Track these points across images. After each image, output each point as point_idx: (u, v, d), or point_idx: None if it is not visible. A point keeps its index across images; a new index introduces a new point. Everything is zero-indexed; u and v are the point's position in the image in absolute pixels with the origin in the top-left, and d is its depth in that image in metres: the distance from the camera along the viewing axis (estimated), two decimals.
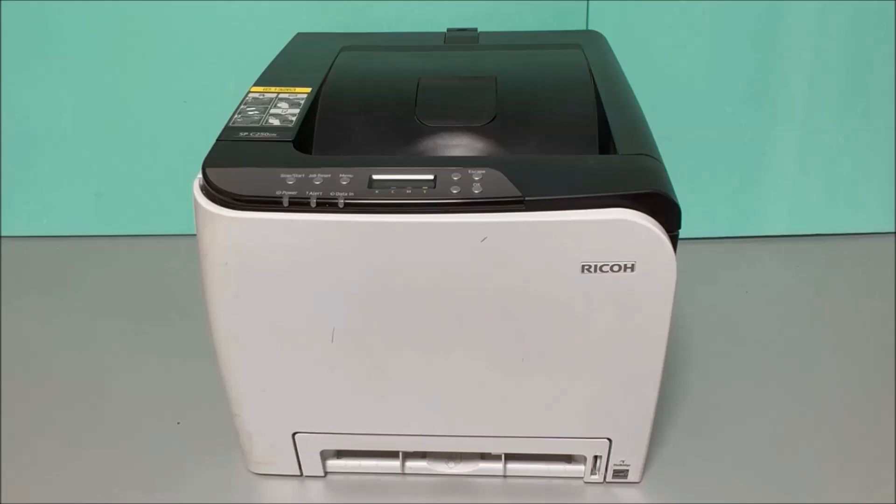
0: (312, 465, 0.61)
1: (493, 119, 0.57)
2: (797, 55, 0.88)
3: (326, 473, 0.63)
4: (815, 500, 0.61)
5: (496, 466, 0.62)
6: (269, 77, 0.65)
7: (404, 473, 0.62)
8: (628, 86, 0.64)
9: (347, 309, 0.51)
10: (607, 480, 0.61)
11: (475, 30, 0.79)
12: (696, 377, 0.73)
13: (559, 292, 0.50)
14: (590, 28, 0.87)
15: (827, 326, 0.81)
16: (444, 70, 0.65)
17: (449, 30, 0.80)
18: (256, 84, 0.64)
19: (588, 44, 0.72)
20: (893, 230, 0.96)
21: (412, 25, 0.87)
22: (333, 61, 0.67)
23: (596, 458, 0.60)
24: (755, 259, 0.93)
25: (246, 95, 0.62)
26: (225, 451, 0.65)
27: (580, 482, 0.62)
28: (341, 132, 0.58)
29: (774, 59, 0.89)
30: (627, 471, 0.60)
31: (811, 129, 0.92)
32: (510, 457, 0.62)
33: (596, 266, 0.48)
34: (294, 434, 0.59)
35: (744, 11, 0.86)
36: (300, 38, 0.79)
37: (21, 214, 1.00)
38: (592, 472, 0.60)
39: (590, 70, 0.63)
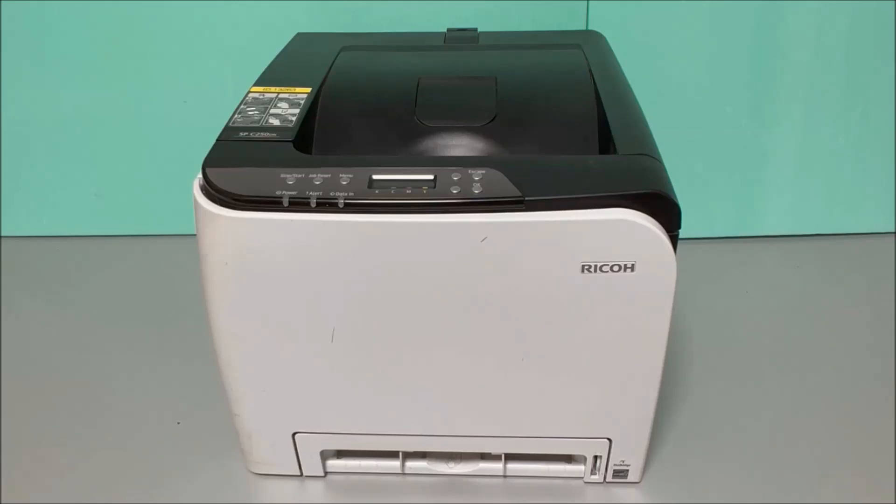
0: (312, 465, 0.61)
1: (493, 119, 0.57)
2: (797, 55, 0.88)
3: (326, 473, 0.63)
4: (815, 500, 0.61)
5: (496, 466, 0.62)
6: (269, 77, 0.65)
7: (404, 473, 0.62)
8: (628, 86, 0.64)
9: (347, 309, 0.51)
10: (607, 480, 0.61)
11: (475, 30, 0.79)
12: (696, 377, 0.73)
13: (559, 292, 0.50)
14: (590, 28, 0.87)
15: (827, 326, 0.81)
16: (445, 70, 0.65)
17: (449, 30, 0.80)
18: (256, 84, 0.64)
19: (588, 44, 0.72)
20: (893, 230, 0.96)
21: (412, 25, 0.87)
22: (333, 61, 0.67)
23: (596, 458, 0.60)
24: (755, 259, 0.93)
25: (246, 95, 0.62)
26: (225, 451, 0.65)
27: (580, 482, 0.62)
28: (341, 132, 0.58)
29: (774, 58, 0.88)
30: (627, 471, 0.60)
31: (811, 129, 0.92)
32: (510, 457, 0.62)
33: (596, 266, 0.48)
34: (294, 434, 0.59)
35: (744, 11, 0.86)
36: (300, 38, 0.79)
37: (21, 214, 1.00)
38: (592, 472, 0.60)
39: (590, 70, 0.63)
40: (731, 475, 0.63)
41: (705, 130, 0.92)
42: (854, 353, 0.77)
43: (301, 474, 0.62)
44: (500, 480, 0.62)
